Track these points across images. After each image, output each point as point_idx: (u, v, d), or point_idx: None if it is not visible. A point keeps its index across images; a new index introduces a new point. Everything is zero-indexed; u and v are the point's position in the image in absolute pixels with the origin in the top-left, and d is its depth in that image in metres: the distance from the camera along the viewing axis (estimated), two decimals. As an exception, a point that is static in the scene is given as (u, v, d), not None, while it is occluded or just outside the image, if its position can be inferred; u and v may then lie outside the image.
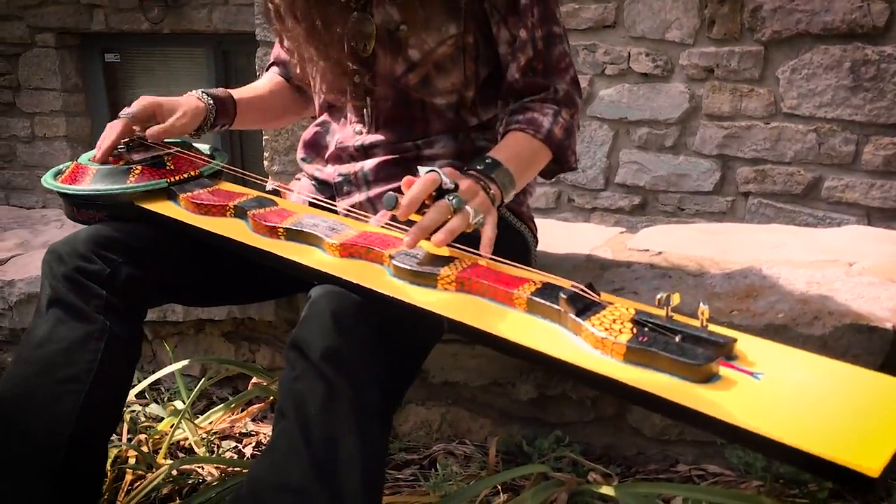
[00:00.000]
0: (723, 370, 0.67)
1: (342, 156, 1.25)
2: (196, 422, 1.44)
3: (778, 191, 2.82)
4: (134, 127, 1.24)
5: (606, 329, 0.72)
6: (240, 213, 1.09)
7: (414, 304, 0.83)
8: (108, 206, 1.17)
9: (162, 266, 1.16)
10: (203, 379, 1.49)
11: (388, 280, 0.89)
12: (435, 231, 0.89)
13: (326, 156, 1.28)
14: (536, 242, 1.32)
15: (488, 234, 0.92)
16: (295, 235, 1.02)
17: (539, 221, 1.80)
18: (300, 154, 1.36)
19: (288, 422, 0.83)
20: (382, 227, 1.00)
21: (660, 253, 1.42)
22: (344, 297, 0.89)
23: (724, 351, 0.69)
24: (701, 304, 0.71)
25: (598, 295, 0.78)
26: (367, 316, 0.88)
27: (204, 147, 1.40)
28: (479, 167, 1.02)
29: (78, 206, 1.19)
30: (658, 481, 1.13)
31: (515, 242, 1.24)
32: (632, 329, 0.71)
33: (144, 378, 1.56)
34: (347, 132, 1.25)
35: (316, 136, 1.32)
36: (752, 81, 2.80)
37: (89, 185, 1.18)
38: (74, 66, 4.13)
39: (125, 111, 1.24)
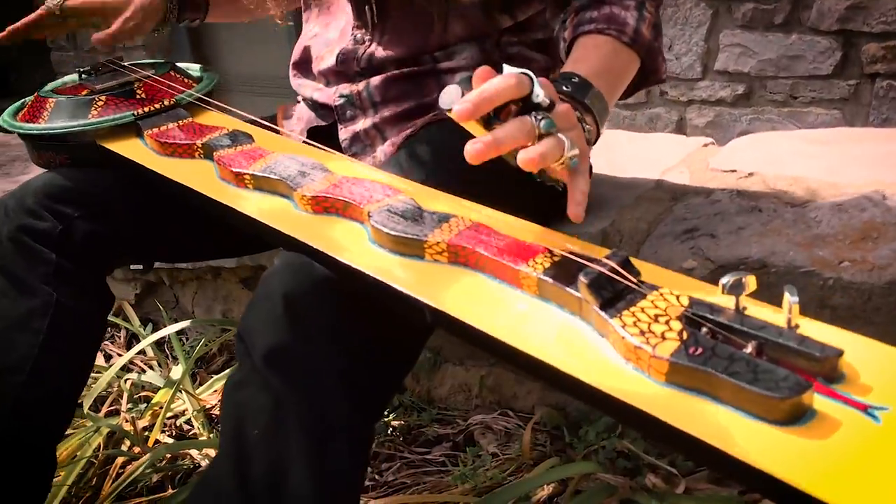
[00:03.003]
0: (820, 401, 0.46)
1: (347, 72, 1.05)
2: (200, 389, 1.31)
3: (913, 70, 2.43)
4: (66, 21, 1.09)
5: (643, 333, 0.51)
6: (209, 153, 0.93)
7: (388, 285, 0.64)
8: (67, 147, 1.04)
9: (128, 219, 1.02)
10: (202, 343, 1.35)
11: (364, 247, 0.70)
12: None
13: (324, 69, 1.07)
14: (590, 171, 1.10)
15: (580, 186, 0.67)
16: (263, 184, 0.84)
17: (605, 133, 1.57)
18: (292, 75, 1.17)
19: (225, 446, 0.67)
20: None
21: (750, 174, 1.17)
22: (303, 272, 0.71)
23: (824, 369, 0.47)
24: (787, 294, 0.49)
25: (638, 275, 0.57)
26: (332, 298, 0.70)
27: (191, 67, 1.22)
28: (565, 88, 0.78)
29: (37, 147, 1.06)
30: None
31: None
32: (681, 332, 0.50)
33: (152, 334, 1.45)
34: (347, 42, 1.04)
35: (307, 52, 1.11)
36: (881, -66, 2.38)
37: (46, 121, 1.03)
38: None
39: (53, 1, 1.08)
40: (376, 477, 1.12)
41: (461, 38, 0.99)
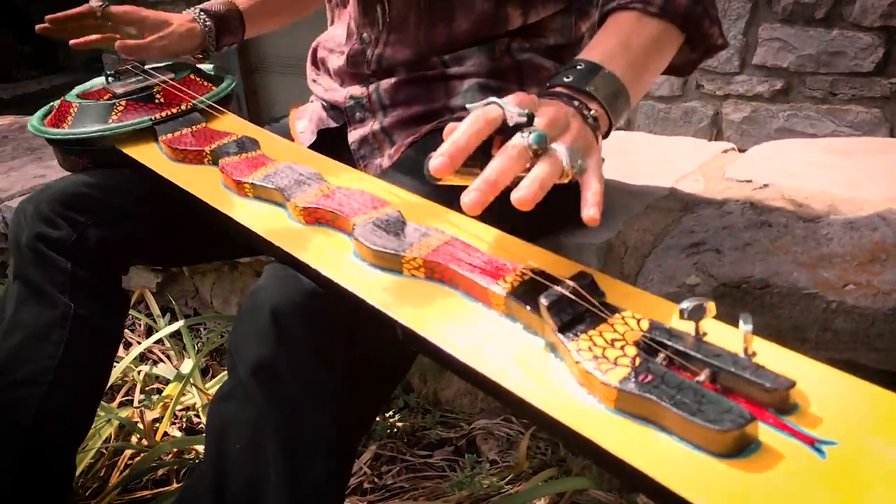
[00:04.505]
0: (768, 433, 0.46)
1: (357, 73, 1.06)
2: (211, 382, 1.35)
3: (958, 67, 2.36)
4: (106, 22, 1.14)
5: (597, 358, 0.51)
6: (216, 159, 0.95)
7: (362, 300, 0.65)
8: (89, 152, 1.08)
9: (142, 224, 1.05)
10: (216, 335, 1.38)
11: (347, 260, 0.71)
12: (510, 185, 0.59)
13: (336, 69, 1.09)
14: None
15: (591, 186, 0.61)
16: (261, 193, 0.86)
17: (623, 135, 1.55)
18: (309, 72, 1.19)
19: (207, 459, 0.69)
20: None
21: (765, 186, 1.15)
22: (291, 286, 0.72)
23: (775, 400, 0.47)
24: (742, 323, 0.49)
25: (602, 296, 0.57)
26: (318, 312, 0.71)
27: (212, 69, 1.25)
28: (566, 79, 0.72)
29: (62, 151, 1.11)
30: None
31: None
32: (634, 359, 0.51)
33: (168, 325, 1.49)
34: (354, 42, 1.05)
35: (322, 48, 1.13)
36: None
37: (69, 126, 1.07)
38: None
39: (96, 3, 1.12)
40: (375, 480, 1.14)
41: (469, 34, 0.98)
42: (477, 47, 1.00)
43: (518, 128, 0.61)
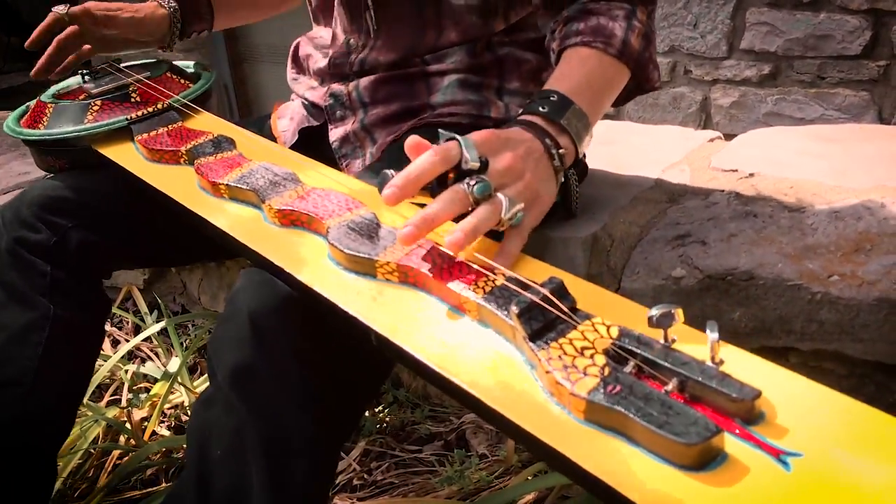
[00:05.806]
0: (734, 444, 0.46)
1: (339, 73, 1.06)
2: (199, 381, 1.35)
3: (946, 51, 2.34)
4: (74, 27, 1.10)
5: (566, 367, 0.51)
6: (192, 160, 0.95)
7: (335, 306, 0.65)
8: (66, 152, 1.07)
9: (122, 226, 1.05)
10: (204, 332, 1.38)
11: (322, 264, 0.71)
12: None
13: (316, 69, 1.08)
14: (585, 172, 1.09)
15: (510, 247, 0.65)
16: (237, 194, 0.85)
17: (610, 124, 1.54)
18: (289, 71, 1.18)
19: (189, 465, 0.69)
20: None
21: (751, 175, 1.15)
22: (269, 290, 0.72)
23: (741, 410, 0.47)
24: (708, 331, 0.49)
25: (573, 302, 0.57)
26: (296, 316, 0.71)
27: (189, 66, 1.24)
28: (541, 109, 0.76)
29: (38, 152, 1.10)
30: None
31: None
32: (603, 368, 0.50)
33: (155, 324, 1.49)
34: (339, 47, 1.05)
35: (304, 47, 1.13)
36: None
37: (45, 126, 1.07)
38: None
39: (60, 7, 1.10)
40: (365, 476, 1.14)
41: (455, 41, 0.99)
42: (459, 46, 1.00)
43: (470, 171, 0.64)
